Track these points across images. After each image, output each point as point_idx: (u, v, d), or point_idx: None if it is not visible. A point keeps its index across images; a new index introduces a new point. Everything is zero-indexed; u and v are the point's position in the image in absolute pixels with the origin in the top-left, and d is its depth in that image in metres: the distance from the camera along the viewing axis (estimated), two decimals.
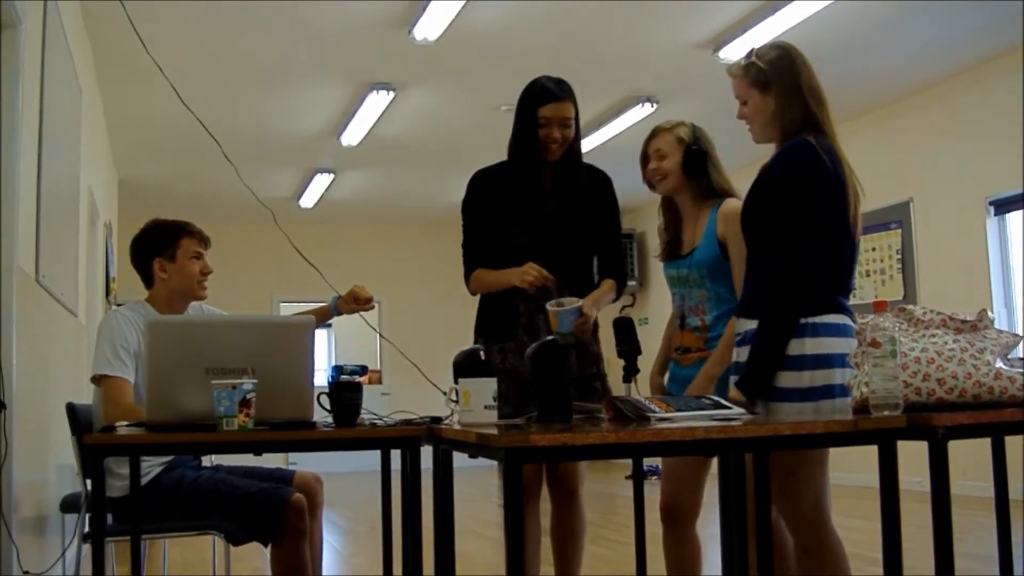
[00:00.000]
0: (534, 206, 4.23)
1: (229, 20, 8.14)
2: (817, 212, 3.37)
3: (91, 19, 7.65)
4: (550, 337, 3.55)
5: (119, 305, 4.74)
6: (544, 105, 4.16)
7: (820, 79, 3.56)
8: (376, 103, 10.13)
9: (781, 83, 3.50)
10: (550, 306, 3.79)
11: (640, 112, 10.32)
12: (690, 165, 4.00)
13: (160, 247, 4.37)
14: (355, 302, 4.41)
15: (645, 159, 4.13)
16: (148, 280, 4.41)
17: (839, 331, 3.40)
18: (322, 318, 4.32)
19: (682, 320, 4.09)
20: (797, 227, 3.37)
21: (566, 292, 3.92)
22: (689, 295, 4.06)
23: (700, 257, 4.00)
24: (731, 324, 3.83)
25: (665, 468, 4.12)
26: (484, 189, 4.34)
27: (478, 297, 4.41)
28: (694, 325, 4.03)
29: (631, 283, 14.40)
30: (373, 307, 4.50)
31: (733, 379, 3.55)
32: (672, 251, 4.14)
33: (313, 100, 10.29)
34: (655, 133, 4.12)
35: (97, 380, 4.13)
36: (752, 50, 3.62)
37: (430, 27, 8.08)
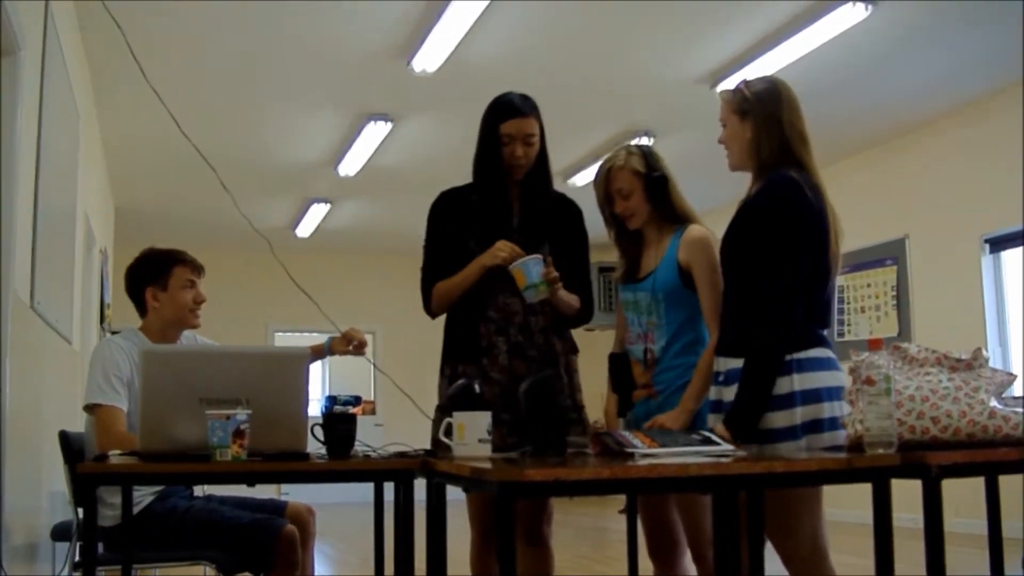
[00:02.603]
0: (499, 223, 4.05)
1: (228, 49, 8.17)
2: (799, 248, 3.37)
3: (90, 46, 7.68)
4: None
5: (113, 333, 4.73)
6: (506, 121, 4.00)
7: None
8: (374, 133, 10.17)
9: (760, 113, 3.52)
10: (511, 266, 3.81)
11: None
12: (654, 193, 3.94)
13: (152, 276, 4.36)
14: (348, 343, 4.33)
15: (608, 199, 4.01)
16: (142, 309, 4.40)
17: (824, 365, 3.40)
18: (316, 355, 4.27)
19: (630, 350, 4.02)
20: (778, 262, 3.37)
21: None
22: (639, 321, 3.99)
23: (656, 281, 3.92)
24: (705, 357, 3.78)
25: (641, 507, 4.09)
26: (448, 208, 4.18)
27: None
28: (638, 355, 3.97)
29: None
30: (365, 350, 4.40)
31: (711, 417, 3.55)
32: (630, 274, 4.08)
33: (311, 130, 10.32)
34: (611, 172, 3.99)
35: (90, 409, 4.11)
36: (745, 79, 3.65)
37: (429, 58, 8.12)
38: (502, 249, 3.91)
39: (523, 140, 4.01)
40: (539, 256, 3.82)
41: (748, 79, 3.65)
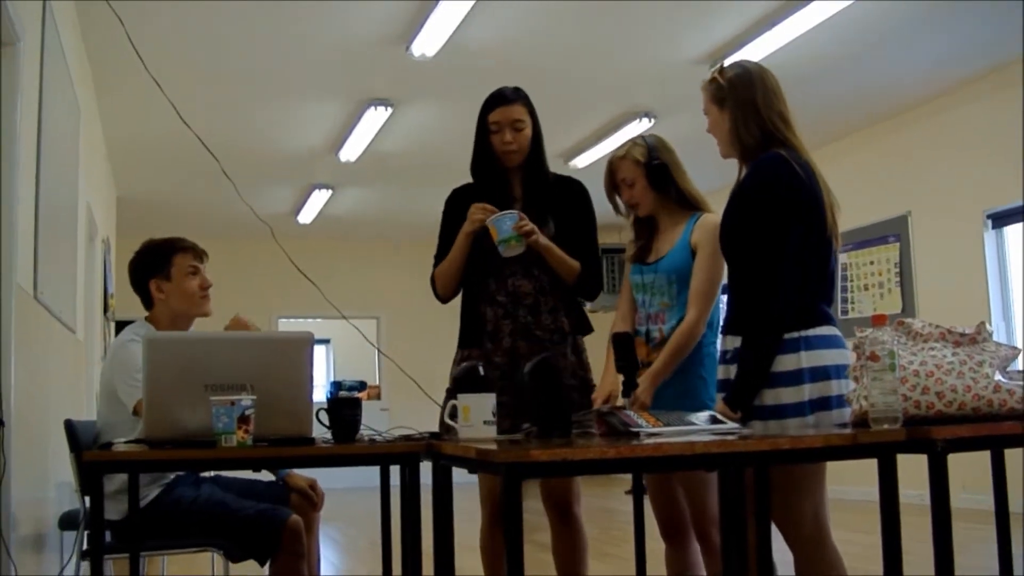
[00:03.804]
0: (501, 208, 4.08)
1: (228, 37, 8.16)
2: (795, 225, 3.38)
3: (89, 36, 7.67)
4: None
5: (119, 323, 4.71)
6: (493, 110, 4.15)
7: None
8: (374, 119, 10.15)
9: (735, 100, 3.54)
10: (487, 221, 3.95)
11: (638, 127, 10.32)
12: (655, 180, 4.03)
13: (155, 267, 4.33)
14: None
15: (615, 189, 4.14)
16: (148, 302, 4.37)
17: (831, 343, 3.42)
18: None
19: (639, 331, 4.10)
20: (775, 240, 3.38)
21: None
22: (651, 302, 4.07)
23: (669, 263, 4.02)
24: (677, 334, 3.88)
25: (650, 487, 4.12)
26: (457, 205, 4.27)
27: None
28: (653, 336, 4.04)
29: None
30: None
31: (719, 395, 3.56)
32: (640, 256, 4.16)
33: (311, 116, 10.31)
34: (614, 164, 4.13)
35: (135, 408, 4.05)
36: (720, 66, 3.67)
37: (428, 43, 8.10)
38: (475, 212, 4.05)
39: (511, 126, 4.13)
40: (514, 212, 3.96)
41: (723, 66, 3.67)
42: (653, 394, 3.84)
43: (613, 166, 4.12)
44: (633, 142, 4.12)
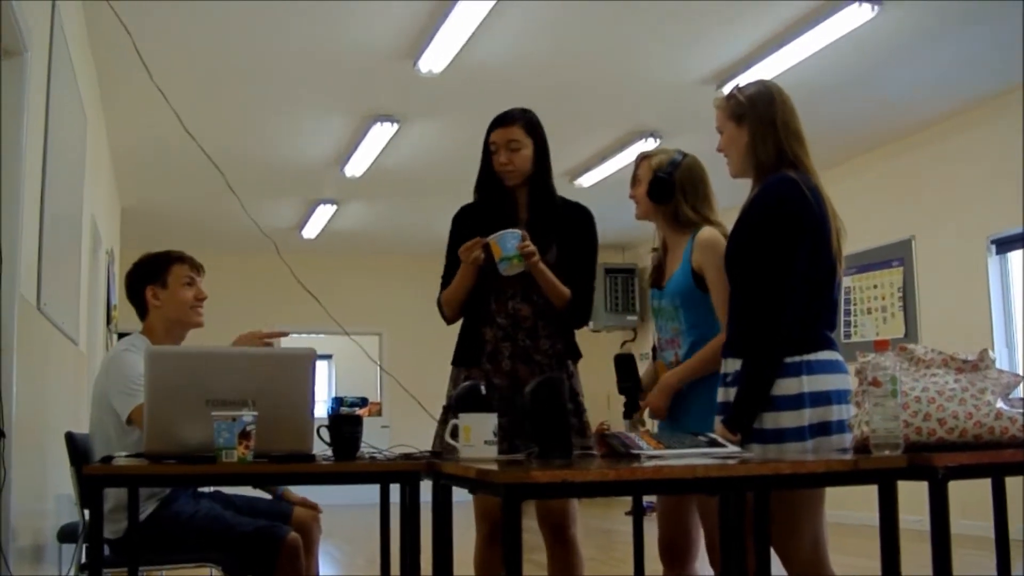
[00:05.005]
0: (504, 228, 4.07)
1: (235, 49, 8.17)
2: (801, 248, 3.38)
3: (97, 47, 7.69)
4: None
5: (121, 335, 4.72)
6: (494, 131, 4.20)
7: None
8: (380, 135, 10.16)
9: (756, 117, 3.55)
10: (489, 238, 3.93)
11: (643, 147, 10.31)
12: (653, 192, 4.05)
13: (151, 275, 4.37)
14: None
15: (635, 183, 4.20)
16: (143, 310, 4.39)
17: (833, 367, 3.42)
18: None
19: (657, 353, 4.14)
20: (781, 263, 3.38)
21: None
22: (665, 327, 4.09)
23: (673, 287, 4.03)
24: (710, 344, 3.86)
25: (659, 508, 4.12)
26: (463, 224, 4.29)
27: None
28: (668, 360, 4.06)
29: (631, 318, 14.48)
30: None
31: (718, 418, 3.55)
32: (656, 280, 4.18)
33: (317, 131, 10.32)
34: (639, 161, 4.20)
35: (130, 420, 4.05)
36: (737, 84, 3.68)
37: (435, 59, 8.11)
38: (467, 254, 4.04)
39: (506, 146, 4.15)
40: (517, 231, 3.95)
41: (740, 84, 3.68)
42: (668, 401, 3.87)
43: (638, 163, 4.19)
44: (666, 150, 4.16)
